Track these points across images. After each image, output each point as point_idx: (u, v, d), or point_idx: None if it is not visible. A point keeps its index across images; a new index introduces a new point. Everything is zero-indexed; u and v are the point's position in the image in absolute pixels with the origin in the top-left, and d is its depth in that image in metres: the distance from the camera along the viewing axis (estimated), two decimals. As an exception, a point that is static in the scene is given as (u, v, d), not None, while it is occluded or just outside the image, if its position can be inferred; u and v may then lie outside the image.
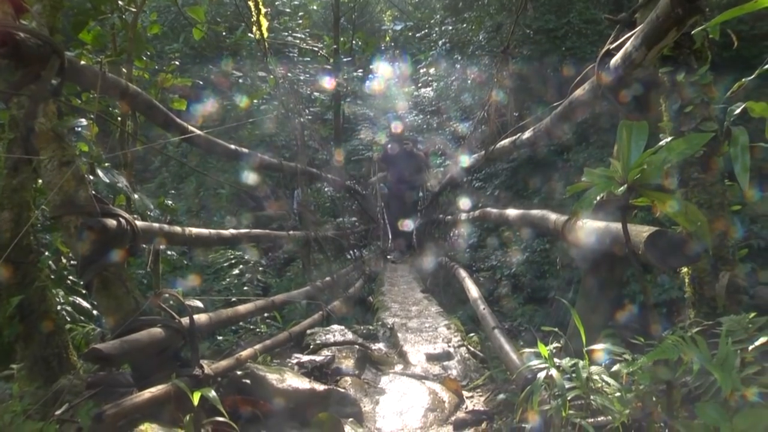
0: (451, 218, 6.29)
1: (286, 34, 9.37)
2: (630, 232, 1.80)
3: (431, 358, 3.46)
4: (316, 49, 9.42)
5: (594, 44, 8.99)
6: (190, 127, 3.29)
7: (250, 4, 4.41)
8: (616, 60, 2.18)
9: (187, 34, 8.70)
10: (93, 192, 2.24)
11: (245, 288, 5.11)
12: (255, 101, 8.16)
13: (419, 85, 12.14)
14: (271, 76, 4.66)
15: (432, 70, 11.44)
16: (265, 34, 4.43)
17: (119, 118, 2.98)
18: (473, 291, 3.77)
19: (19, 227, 2.71)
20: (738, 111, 2.22)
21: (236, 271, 5.18)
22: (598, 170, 1.83)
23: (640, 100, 2.31)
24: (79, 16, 3.20)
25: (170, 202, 4.48)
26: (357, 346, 3.43)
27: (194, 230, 2.79)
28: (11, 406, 2.39)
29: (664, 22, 1.78)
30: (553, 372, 1.87)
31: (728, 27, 2.66)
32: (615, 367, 1.88)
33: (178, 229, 2.64)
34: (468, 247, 9.16)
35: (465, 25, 10.65)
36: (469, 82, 9.70)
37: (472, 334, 3.59)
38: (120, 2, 3.01)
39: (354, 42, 10.07)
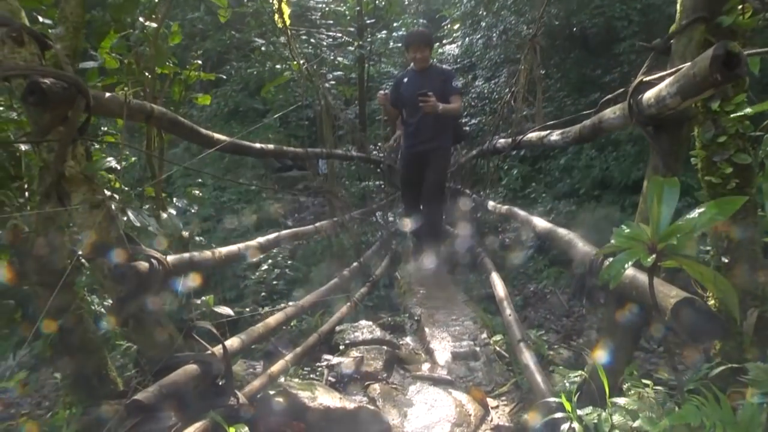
0: (479, 199, 6.22)
1: (309, -2, 9.19)
2: (657, 293, 1.80)
3: (457, 356, 3.52)
4: (339, 10, 9.23)
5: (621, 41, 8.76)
6: (216, 135, 3.30)
7: (272, -10, 4.33)
8: (649, 98, 2.11)
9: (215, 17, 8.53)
10: (124, 233, 2.28)
11: (274, 283, 5.18)
12: (278, 66, 8.10)
13: (443, 41, 11.90)
14: (294, 62, 4.60)
15: (456, 26, 11.19)
16: (288, 22, 4.35)
17: (145, 142, 3.00)
18: (500, 289, 3.79)
19: (53, 253, 2.80)
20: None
21: (264, 267, 5.24)
22: (627, 232, 1.81)
23: (673, 134, 2.25)
24: (101, 27, 3.19)
25: (197, 191, 4.53)
26: (385, 347, 3.51)
27: (223, 250, 2.84)
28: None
29: (702, 82, 1.72)
30: (576, 426, 1.90)
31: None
32: (636, 423, 1.91)
33: (207, 254, 2.68)
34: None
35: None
36: (494, 38, 9.50)
37: (498, 337, 3.62)
38: (141, 19, 2.98)
39: (378, 1, 9.83)
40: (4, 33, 2.24)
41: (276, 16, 4.32)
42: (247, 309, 4.07)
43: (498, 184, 8.72)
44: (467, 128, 9.71)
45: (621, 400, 1.96)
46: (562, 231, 2.84)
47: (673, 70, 2.05)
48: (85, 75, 3.22)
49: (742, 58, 1.65)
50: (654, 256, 1.70)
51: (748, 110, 1.85)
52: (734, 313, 1.71)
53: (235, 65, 10.38)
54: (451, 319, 4.10)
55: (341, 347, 3.52)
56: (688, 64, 1.84)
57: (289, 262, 5.58)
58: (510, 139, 4.58)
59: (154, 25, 2.99)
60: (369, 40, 9.65)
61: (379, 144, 8.86)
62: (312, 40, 8.38)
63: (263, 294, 4.98)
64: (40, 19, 3.32)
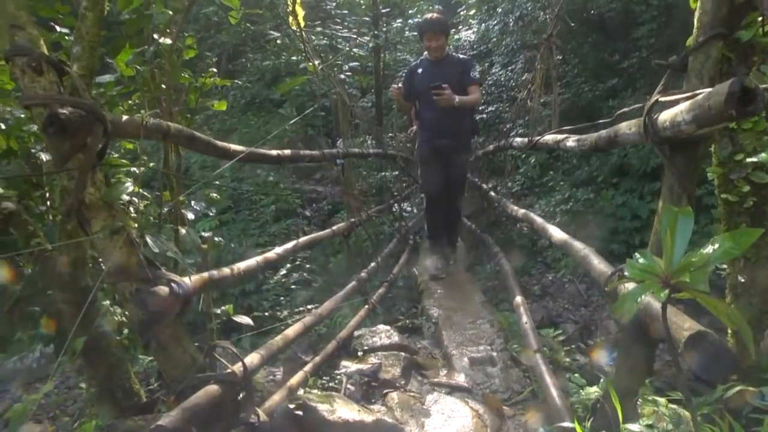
0: (496, 196, 6.16)
1: (323, -12, 9.15)
2: (670, 324, 1.81)
3: (474, 362, 3.56)
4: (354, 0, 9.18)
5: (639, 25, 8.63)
6: (233, 146, 3.33)
7: (285, -8, 4.33)
8: (664, 120, 2.10)
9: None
10: (144, 257, 2.32)
11: (293, 287, 5.25)
12: (293, 58, 8.11)
13: (459, 27, 11.80)
14: (310, 63, 4.60)
15: (472, 12, 11.08)
16: (302, 24, 4.35)
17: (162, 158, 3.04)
18: (517, 295, 3.81)
19: (76, 269, 2.87)
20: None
21: (283, 271, 5.30)
22: (640, 264, 1.81)
23: (689, 154, 2.23)
24: (116, 42, 3.22)
25: (215, 194, 4.57)
26: (403, 354, 3.55)
27: (242, 266, 2.88)
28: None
29: (717, 116, 1.71)
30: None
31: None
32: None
33: (226, 270, 2.73)
34: (513, 199, 9.15)
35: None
36: (511, 24, 9.40)
37: (515, 345, 3.64)
38: (155, 35, 3.00)
39: (392, -11, 9.76)
40: (24, 63, 2.28)
41: (290, 18, 4.31)
42: (266, 313, 4.13)
43: (515, 174, 8.68)
44: (484, 115, 9.65)
45: (635, 427, 1.97)
46: (578, 245, 2.84)
47: (689, 94, 2.03)
48: (102, 87, 3.26)
49: (758, 94, 1.63)
50: (667, 291, 1.70)
51: (763, 155, 1.83)
52: (749, 347, 1.71)
53: (250, 57, 10.41)
54: (468, 321, 4.12)
55: (360, 354, 3.57)
56: (704, 93, 1.82)
57: (308, 264, 5.63)
58: (527, 139, 4.56)
59: (169, 41, 3.01)
60: (384, 29, 9.59)
61: (392, 135, 8.83)
62: (327, 31, 8.35)
63: (282, 297, 5.04)
64: (58, 28, 3.37)
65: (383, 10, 9.71)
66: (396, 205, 7.56)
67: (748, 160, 2.15)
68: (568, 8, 8.88)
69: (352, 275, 4.82)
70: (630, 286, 2.19)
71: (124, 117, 2.54)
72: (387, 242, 6.04)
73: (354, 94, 9.50)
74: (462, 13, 11.83)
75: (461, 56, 5.82)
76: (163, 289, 2.29)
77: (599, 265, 2.48)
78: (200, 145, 3.06)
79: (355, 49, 9.00)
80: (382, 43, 9.49)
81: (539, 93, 4.51)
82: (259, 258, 3.11)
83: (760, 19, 2.33)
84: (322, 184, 10.20)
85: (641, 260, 1.87)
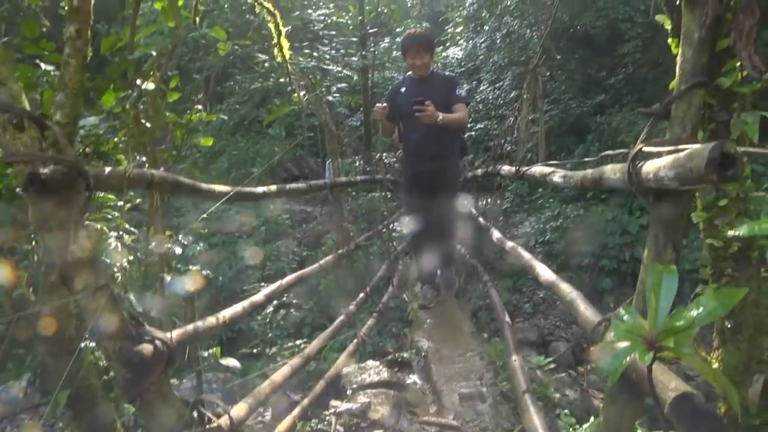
0: (485, 224, 6.13)
1: (311, 11, 9.14)
2: (656, 383, 1.80)
3: (464, 398, 3.54)
4: (341, 21, 9.19)
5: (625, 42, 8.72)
6: (217, 188, 3.32)
7: (270, 26, 4.33)
8: (648, 172, 2.09)
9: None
10: (128, 314, 2.30)
11: (281, 321, 5.23)
12: (282, 80, 8.12)
13: (447, 45, 11.85)
14: (295, 94, 4.61)
15: (459, 29, 11.14)
16: (287, 55, 4.35)
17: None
18: (507, 331, 3.80)
19: (61, 322, 2.83)
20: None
21: (270, 309, 5.27)
22: (625, 322, 1.80)
23: (674, 203, 2.23)
24: (99, 83, 3.20)
25: (204, 229, 4.55)
26: (392, 392, 3.53)
27: (228, 313, 2.85)
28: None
29: (697, 179, 1.71)
30: None
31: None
32: None
33: (212, 320, 2.70)
34: (503, 216, 9.14)
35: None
36: (498, 41, 9.45)
37: (504, 382, 3.62)
38: (138, 81, 2.98)
39: (380, 9, 9.72)
40: (5, 120, 2.26)
41: (275, 50, 4.31)
42: (254, 350, 4.11)
43: (504, 192, 8.70)
44: (472, 133, 9.66)
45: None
46: (565, 287, 2.83)
47: (671, 148, 2.03)
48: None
49: (737, 159, 1.63)
50: (652, 353, 1.70)
51: (744, 228, 1.83)
52: (734, 405, 1.71)
53: (239, 78, 10.41)
54: (458, 354, 4.11)
55: (348, 392, 3.55)
56: (686, 152, 1.82)
57: (295, 302, 5.61)
58: (514, 169, 4.56)
59: (152, 85, 2.99)
60: (372, 49, 9.60)
61: (380, 154, 8.80)
62: (315, 54, 8.37)
63: (270, 335, 5.03)
64: (43, 66, 3.34)
65: (371, 30, 9.72)
66: (385, 229, 7.50)
67: (729, 233, 2.16)
68: (554, 26, 8.96)
69: (342, 297, 4.80)
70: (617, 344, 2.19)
71: (107, 169, 2.52)
72: (378, 260, 6.02)
73: (342, 113, 9.48)
74: (449, 30, 11.89)
75: (447, 74, 5.58)
76: (147, 348, 2.27)
77: (585, 311, 2.48)
78: (185, 189, 3.05)
79: (343, 70, 9.01)
80: (369, 62, 9.50)
81: (526, 123, 4.51)
82: (245, 303, 3.09)
83: (738, 64, 2.35)
84: (312, 205, 10.18)
85: (626, 317, 1.87)
